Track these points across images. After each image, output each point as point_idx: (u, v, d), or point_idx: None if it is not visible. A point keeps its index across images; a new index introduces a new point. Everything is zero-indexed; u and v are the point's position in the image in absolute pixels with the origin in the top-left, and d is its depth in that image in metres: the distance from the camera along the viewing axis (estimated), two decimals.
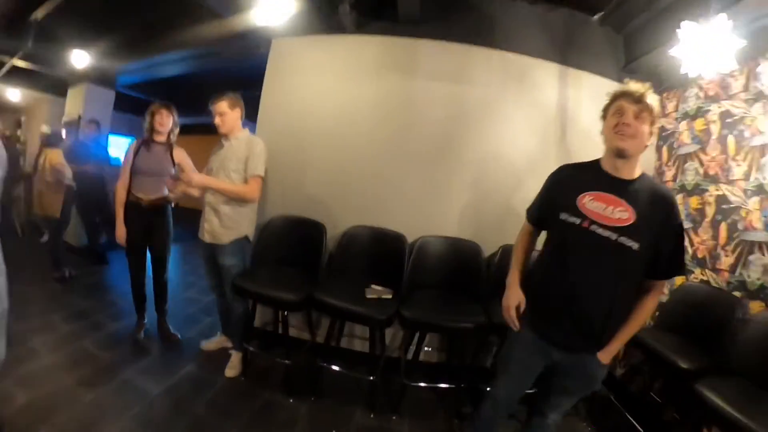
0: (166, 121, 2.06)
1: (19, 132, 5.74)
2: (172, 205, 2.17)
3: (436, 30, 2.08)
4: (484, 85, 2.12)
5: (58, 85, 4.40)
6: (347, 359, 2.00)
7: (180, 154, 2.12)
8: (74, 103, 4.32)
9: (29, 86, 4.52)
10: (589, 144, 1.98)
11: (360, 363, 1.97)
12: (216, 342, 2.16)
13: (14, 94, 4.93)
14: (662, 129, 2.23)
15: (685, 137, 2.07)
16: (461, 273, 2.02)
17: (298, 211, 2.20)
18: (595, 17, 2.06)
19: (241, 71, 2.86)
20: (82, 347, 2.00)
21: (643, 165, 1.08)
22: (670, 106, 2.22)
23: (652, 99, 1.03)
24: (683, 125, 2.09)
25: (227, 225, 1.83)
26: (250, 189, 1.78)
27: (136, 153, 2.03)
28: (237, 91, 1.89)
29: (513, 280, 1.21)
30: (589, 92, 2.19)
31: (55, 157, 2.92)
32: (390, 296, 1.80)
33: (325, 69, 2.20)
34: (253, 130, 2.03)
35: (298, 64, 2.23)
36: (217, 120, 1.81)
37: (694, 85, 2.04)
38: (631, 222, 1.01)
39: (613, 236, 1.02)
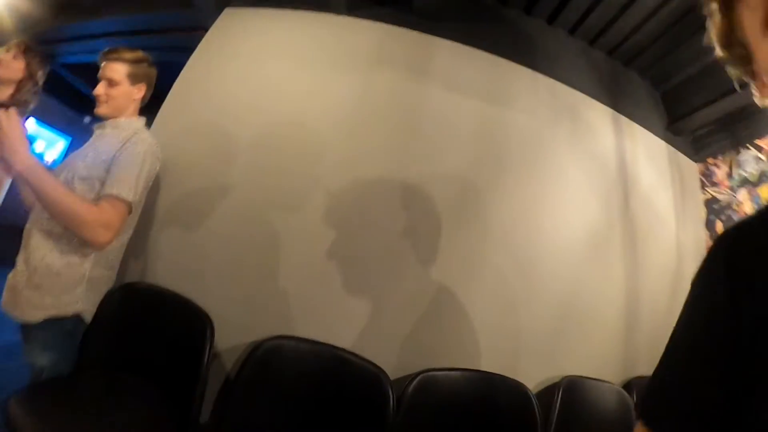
0: (13, 67, 1.27)
1: None
2: None
3: (461, 32, 1.48)
4: (529, 112, 1.45)
5: None
6: None
7: (9, 118, 1.32)
8: None
9: None
10: (651, 215, 1.60)
11: None
12: None
13: None
14: (712, 200, 1.86)
15: (748, 208, 1.71)
16: None
17: (174, 283, 1.18)
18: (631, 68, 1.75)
19: None
20: None
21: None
22: (720, 174, 1.86)
23: None
24: (743, 194, 1.73)
25: (42, 286, 0.96)
26: (98, 215, 0.90)
27: None
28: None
29: None
30: (644, 148, 1.67)
31: None
32: None
33: (286, 51, 1.43)
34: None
35: (250, 40, 1.48)
36: (100, 89, 1.07)
37: (750, 146, 1.70)
38: None
39: None
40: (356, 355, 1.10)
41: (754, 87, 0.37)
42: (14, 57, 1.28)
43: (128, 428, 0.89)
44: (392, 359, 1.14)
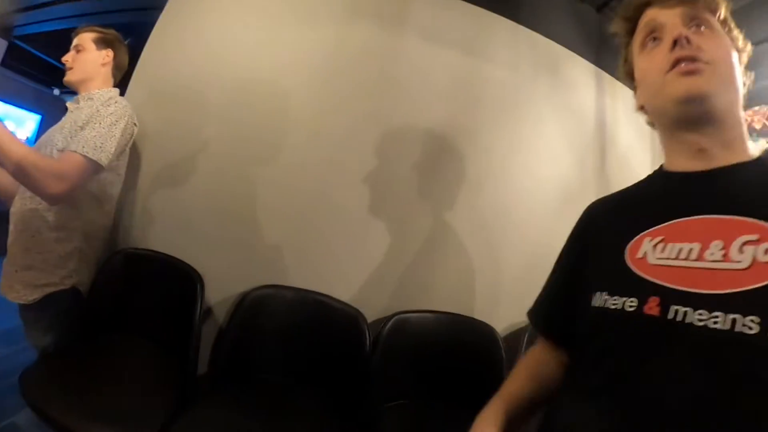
0: None
1: None
2: None
3: None
4: (510, 66, 1.44)
5: None
6: None
7: None
8: None
9: None
10: (628, 174, 1.61)
11: None
12: None
13: None
14: None
15: None
16: (470, 374, 1.15)
17: (163, 245, 1.21)
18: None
19: None
20: None
21: None
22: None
23: None
24: None
25: (35, 265, 0.96)
26: (52, 164, 0.86)
27: None
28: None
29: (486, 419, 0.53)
30: (624, 107, 1.69)
31: None
32: None
33: (255, 5, 1.36)
34: None
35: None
36: (67, 56, 1.09)
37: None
38: None
39: (737, 321, 0.33)
40: (336, 300, 1.17)
41: (635, 94, 0.57)
42: None
43: (134, 385, 0.95)
44: (371, 302, 1.21)
